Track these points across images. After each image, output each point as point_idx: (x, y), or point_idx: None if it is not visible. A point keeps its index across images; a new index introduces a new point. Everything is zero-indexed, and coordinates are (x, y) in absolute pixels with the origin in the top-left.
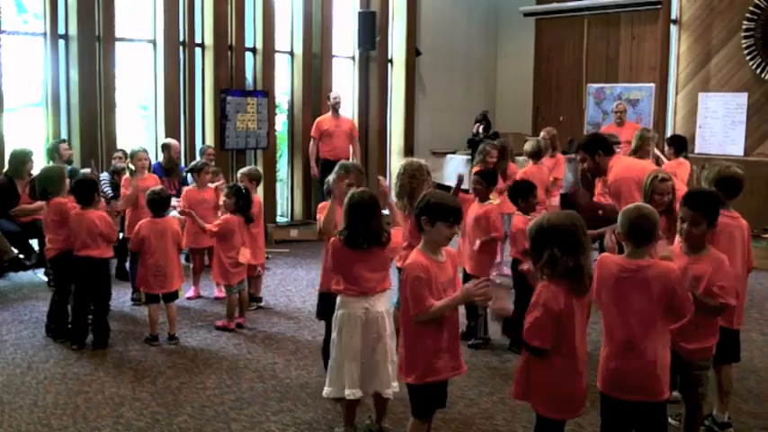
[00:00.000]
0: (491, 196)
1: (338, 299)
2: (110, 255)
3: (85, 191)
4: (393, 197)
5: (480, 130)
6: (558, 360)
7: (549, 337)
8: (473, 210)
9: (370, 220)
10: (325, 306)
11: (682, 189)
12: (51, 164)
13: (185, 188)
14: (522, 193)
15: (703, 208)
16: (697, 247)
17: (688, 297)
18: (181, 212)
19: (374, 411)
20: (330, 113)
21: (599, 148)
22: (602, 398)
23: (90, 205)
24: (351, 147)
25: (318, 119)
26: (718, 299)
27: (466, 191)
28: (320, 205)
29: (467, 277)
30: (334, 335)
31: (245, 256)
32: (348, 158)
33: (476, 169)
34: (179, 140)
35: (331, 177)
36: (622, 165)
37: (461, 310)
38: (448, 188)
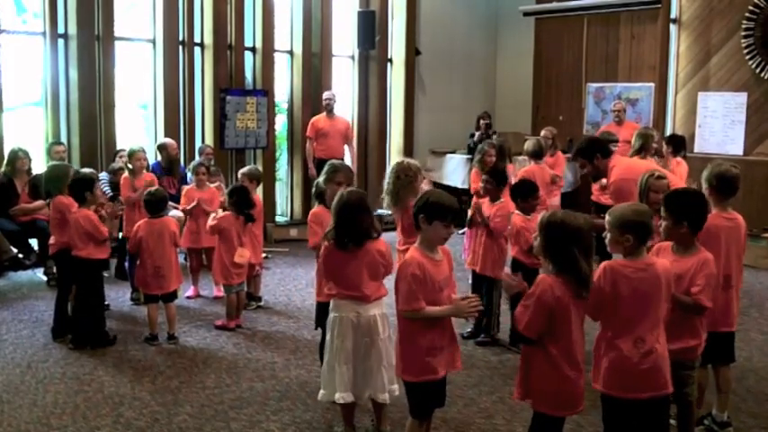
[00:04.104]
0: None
1: (331, 302)
2: (101, 256)
3: (77, 189)
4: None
5: (483, 128)
6: (557, 356)
7: (536, 328)
8: (484, 209)
9: (356, 220)
10: (324, 315)
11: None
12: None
13: (185, 187)
14: (523, 193)
15: (677, 209)
16: (685, 246)
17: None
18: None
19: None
20: (325, 113)
21: (596, 151)
22: (608, 401)
23: (83, 204)
24: (346, 147)
25: (313, 118)
26: (692, 297)
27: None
28: (312, 213)
29: (476, 276)
30: (327, 338)
31: (242, 256)
32: (342, 159)
33: (475, 169)
34: (178, 140)
35: (321, 179)
36: (623, 165)
37: None
38: (447, 188)
